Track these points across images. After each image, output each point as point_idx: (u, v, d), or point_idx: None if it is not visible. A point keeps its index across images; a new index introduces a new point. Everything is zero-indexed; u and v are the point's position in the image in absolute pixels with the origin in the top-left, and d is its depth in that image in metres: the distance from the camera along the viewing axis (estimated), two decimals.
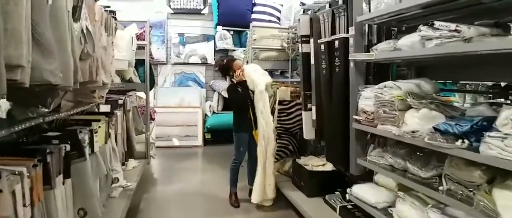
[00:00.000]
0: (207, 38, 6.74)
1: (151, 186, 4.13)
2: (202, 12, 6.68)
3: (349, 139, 2.51)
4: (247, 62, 4.60)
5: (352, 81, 2.44)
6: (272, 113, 3.71)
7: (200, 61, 6.77)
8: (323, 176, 3.25)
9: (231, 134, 3.58)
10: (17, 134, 1.82)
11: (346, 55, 2.49)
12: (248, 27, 4.84)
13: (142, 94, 4.60)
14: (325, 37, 2.85)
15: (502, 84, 2.68)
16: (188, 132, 6.42)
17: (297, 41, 4.21)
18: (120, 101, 3.54)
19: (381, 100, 2.05)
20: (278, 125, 3.95)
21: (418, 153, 2.00)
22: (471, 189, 1.62)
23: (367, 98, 2.22)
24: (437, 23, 1.67)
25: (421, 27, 1.76)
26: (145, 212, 3.36)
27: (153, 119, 5.18)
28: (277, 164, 3.88)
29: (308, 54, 3.11)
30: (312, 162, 3.48)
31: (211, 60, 6.75)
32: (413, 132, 1.79)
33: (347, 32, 2.52)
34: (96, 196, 2.09)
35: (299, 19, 3.25)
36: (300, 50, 3.25)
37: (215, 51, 6.69)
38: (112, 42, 2.78)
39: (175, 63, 6.71)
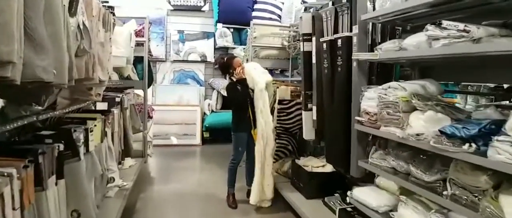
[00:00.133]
0: (207, 35, 6.69)
1: (148, 186, 4.08)
2: (202, 9, 6.63)
3: (350, 140, 2.46)
4: (247, 60, 4.56)
5: (354, 81, 2.39)
6: (272, 112, 3.67)
7: (199, 59, 6.72)
8: (322, 177, 3.21)
9: (229, 133, 3.53)
10: (9, 132, 1.77)
11: (349, 54, 2.44)
12: (248, 25, 4.80)
13: (140, 92, 4.55)
14: (327, 35, 2.79)
15: (505, 86, 2.64)
16: (187, 130, 6.37)
17: (298, 40, 4.17)
18: (118, 99, 3.48)
19: (385, 102, 2.00)
20: (278, 125, 3.91)
21: (421, 156, 1.95)
22: (476, 195, 1.58)
23: (370, 99, 2.17)
24: (445, 23, 1.62)
25: (428, 26, 1.71)
26: (142, 212, 3.32)
27: (151, 117, 5.14)
28: (276, 164, 3.84)
29: (310, 53, 3.06)
30: (311, 163, 3.44)
31: (210, 58, 6.70)
32: (418, 134, 1.74)
33: (351, 30, 2.46)
34: (90, 197, 2.04)
35: (301, 17, 3.20)
36: (301, 49, 3.20)
37: (215, 49, 6.65)
38: (110, 39, 2.72)
39: (174, 61, 6.67)
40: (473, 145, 1.50)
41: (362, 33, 2.33)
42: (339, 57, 2.59)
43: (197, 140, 6.38)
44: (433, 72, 2.43)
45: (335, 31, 2.72)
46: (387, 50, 2.10)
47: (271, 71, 4.60)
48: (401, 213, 2.02)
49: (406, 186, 1.94)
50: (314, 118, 3.07)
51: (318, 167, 3.37)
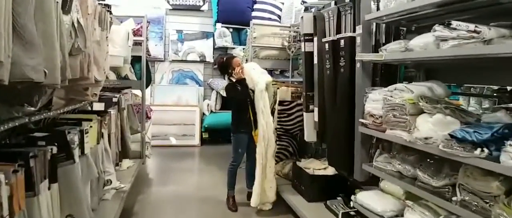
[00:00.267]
0: (206, 35, 6.63)
1: (146, 187, 4.01)
2: (201, 8, 6.57)
3: (352, 142, 2.40)
4: (246, 60, 4.50)
5: (358, 82, 2.33)
6: (272, 113, 3.61)
7: (198, 59, 6.65)
8: (324, 180, 3.14)
9: (229, 133, 3.47)
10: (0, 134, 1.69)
11: (352, 55, 2.38)
12: (248, 25, 4.75)
13: (138, 92, 4.49)
14: (330, 36, 2.73)
15: (508, 88, 2.59)
16: (185, 131, 6.30)
17: (298, 40, 4.11)
18: (115, 100, 3.41)
19: (391, 104, 1.93)
20: (278, 126, 3.86)
21: (428, 159, 1.89)
22: (487, 201, 1.52)
23: (375, 101, 2.11)
24: (454, 23, 1.56)
25: (436, 27, 1.65)
26: (140, 215, 3.25)
27: (149, 118, 5.07)
28: (276, 166, 3.77)
29: (311, 53, 3.01)
30: (313, 165, 3.37)
31: (209, 58, 6.64)
32: (426, 138, 1.68)
33: (354, 31, 2.40)
34: (85, 201, 1.96)
35: (302, 17, 3.14)
36: (302, 49, 3.14)
37: (214, 49, 6.60)
38: (107, 37, 2.65)
39: (173, 61, 6.60)
40: (485, 150, 1.44)
41: (366, 34, 2.27)
42: (342, 58, 2.53)
43: (196, 141, 6.31)
44: (439, 74, 2.37)
45: (338, 31, 2.66)
46: (393, 51, 2.03)
47: (271, 71, 4.54)
48: None
49: (413, 191, 1.88)
50: (316, 119, 3.01)
51: (319, 169, 3.30)
